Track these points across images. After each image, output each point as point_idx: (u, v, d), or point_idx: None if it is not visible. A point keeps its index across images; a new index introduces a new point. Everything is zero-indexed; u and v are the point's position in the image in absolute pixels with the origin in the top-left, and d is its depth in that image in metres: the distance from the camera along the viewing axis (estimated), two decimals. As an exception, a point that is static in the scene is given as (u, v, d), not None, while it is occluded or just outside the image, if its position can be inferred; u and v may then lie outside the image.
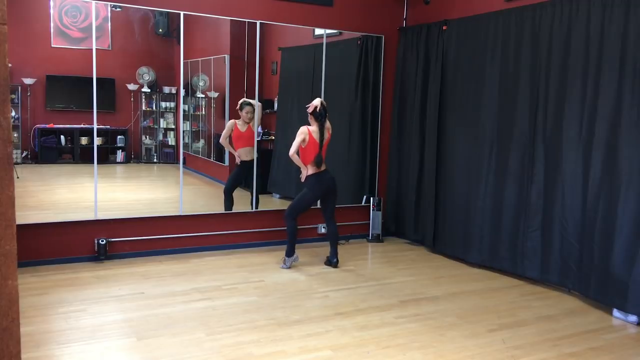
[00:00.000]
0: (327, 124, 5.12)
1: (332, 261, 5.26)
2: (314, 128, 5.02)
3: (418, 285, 4.85)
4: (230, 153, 5.99)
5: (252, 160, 5.84)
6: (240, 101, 5.83)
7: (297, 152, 5.02)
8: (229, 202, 5.89)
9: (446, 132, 5.74)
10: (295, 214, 5.20)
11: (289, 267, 5.14)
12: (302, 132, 4.97)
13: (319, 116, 5.01)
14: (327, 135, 5.10)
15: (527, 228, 4.91)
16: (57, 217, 5.21)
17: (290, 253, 5.18)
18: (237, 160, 5.85)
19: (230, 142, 5.87)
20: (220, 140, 5.88)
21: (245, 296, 4.38)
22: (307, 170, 5.06)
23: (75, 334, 3.53)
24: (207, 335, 3.59)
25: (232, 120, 5.82)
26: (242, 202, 6.02)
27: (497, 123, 5.16)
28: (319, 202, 5.45)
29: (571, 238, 4.55)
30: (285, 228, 5.21)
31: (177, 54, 5.64)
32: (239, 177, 6.01)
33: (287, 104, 6.56)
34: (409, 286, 4.79)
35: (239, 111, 5.76)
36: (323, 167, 5.09)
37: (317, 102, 5.07)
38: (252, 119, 5.79)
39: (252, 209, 5.91)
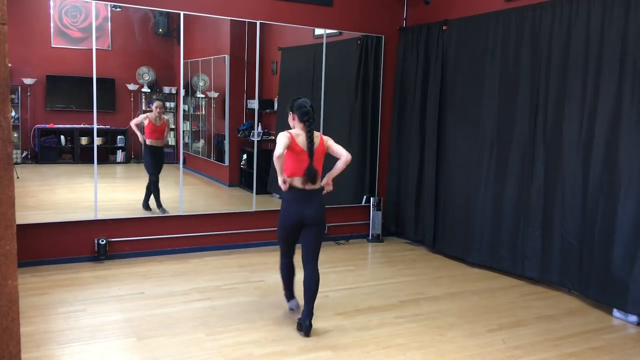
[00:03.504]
0: (318, 134, 3.78)
1: (303, 324, 3.64)
2: (298, 132, 3.67)
3: (418, 285, 4.85)
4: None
5: (162, 147, 5.97)
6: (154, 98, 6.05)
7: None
8: (157, 192, 5.84)
9: (446, 132, 5.74)
10: (281, 250, 3.91)
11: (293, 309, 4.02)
12: (284, 136, 3.60)
13: (305, 115, 3.65)
14: (317, 141, 3.69)
15: (527, 228, 4.91)
16: (57, 217, 5.21)
17: (287, 296, 4.05)
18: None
19: (142, 131, 5.92)
20: (131, 123, 5.91)
21: (245, 296, 4.37)
22: (284, 183, 3.65)
23: (75, 334, 3.53)
24: (207, 335, 3.59)
25: (146, 114, 5.86)
26: (242, 202, 6.02)
27: (497, 123, 5.16)
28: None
29: (571, 238, 4.55)
30: None
31: (177, 54, 5.64)
32: (153, 162, 6.00)
33: (287, 104, 6.54)
34: (409, 286, 4.79)
35: (150, 105, 5.91)
36: (316, 186, 3.69)
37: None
38: (161, 114, 5.86)
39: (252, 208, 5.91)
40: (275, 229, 3.86)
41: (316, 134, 3.72)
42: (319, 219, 3.70)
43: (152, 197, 5.81)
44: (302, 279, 3.71)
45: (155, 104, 5.87)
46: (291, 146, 3.59)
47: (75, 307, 4.00)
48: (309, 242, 3.72)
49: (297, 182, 3.64)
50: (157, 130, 5.87)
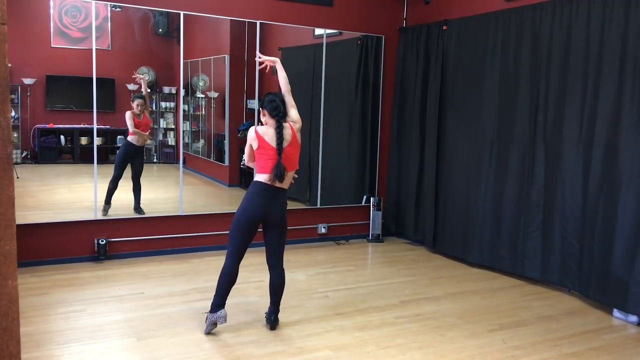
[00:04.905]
0: (293, 116, 3.65)
1: (269, 319, 3.74)
2: (265, 130, 3.54)
3: (418, 285, 4.84)
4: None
5: (142, 146, 5.84)
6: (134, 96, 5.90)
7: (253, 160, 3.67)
8: (114, 189, 5.65)
9: (446, 132, 5.74)
10: (230, 247, 3.61)
11: (208, 332, 3.60)
12: (250, 137, 3.56)
13: (274, 110, 3.54)
14: (289, 137, 3.54)
15: (527, 228, 4.91)
16: (57, 217, 5.21)
17: (217, 305, 3.59)
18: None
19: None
20: (130, 130, 5.75)
21: (245, 296, 4.37)
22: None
23: (75, 334, 3.53)
24: (207, 335, 3.58)
25: (130, 113, 5.69)
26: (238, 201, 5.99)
27: (497, 123, 5.16)
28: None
29: (571, 238, 4.55)
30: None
31: (177, 54, 5.63)
32: (125, 160, 5.81)
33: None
34: (409, 286, 4.79)
35: (131, 103, 5.77)
36: (284, 185, 3.58)
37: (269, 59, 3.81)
38: (142, 110, 5.75)
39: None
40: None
41: (286, 125, 3.56)
42: (284, 220, 3.64)
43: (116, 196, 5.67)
44: (269, 281, 3.72)
45: (136, 102, 5.71)
46: (259, 145, 3.51)
47: (75, 307, 4.00)
48: (278, 243, 3.67)
49: (265, 179, 3.51)
50: (141, 124, 5.76)
